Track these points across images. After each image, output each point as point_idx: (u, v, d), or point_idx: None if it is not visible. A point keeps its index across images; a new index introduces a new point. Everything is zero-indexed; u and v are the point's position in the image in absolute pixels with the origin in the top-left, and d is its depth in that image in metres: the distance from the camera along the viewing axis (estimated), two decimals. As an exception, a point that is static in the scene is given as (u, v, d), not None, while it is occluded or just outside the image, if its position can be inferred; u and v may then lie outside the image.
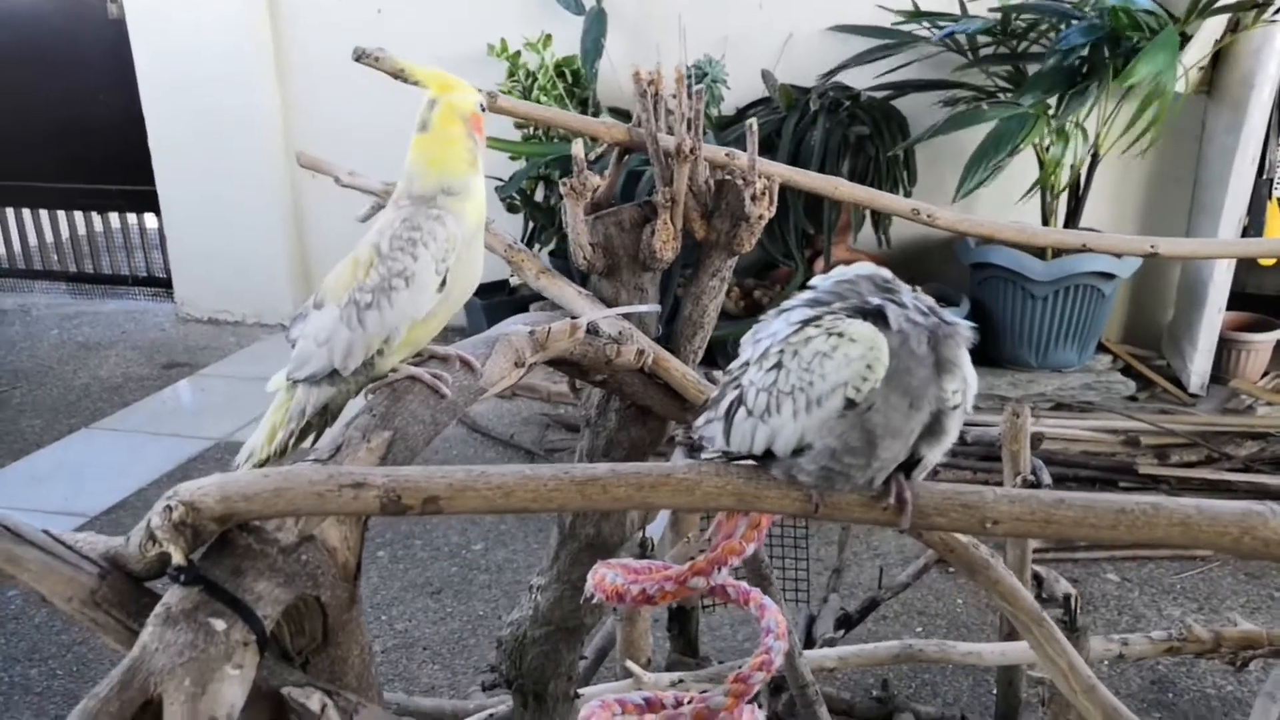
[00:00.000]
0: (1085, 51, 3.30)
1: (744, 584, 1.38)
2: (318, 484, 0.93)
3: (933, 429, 0.87)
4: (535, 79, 4.16)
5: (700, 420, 0.98)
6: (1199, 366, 3.73)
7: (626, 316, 1.46)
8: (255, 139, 4.72)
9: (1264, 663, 1.96)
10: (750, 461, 0.94)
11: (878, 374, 0.83)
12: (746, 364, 0.93)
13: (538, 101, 4.11)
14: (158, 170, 4.89)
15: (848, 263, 3.41)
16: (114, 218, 5.44)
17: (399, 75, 1.40)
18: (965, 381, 0.86)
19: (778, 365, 0.88)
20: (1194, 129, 3.87)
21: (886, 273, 0.92)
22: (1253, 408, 3.54)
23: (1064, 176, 3.61)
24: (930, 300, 0.89)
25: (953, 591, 2.85)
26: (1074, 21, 3.34)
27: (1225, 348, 3.76)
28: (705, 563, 1.28)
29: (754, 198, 1.42)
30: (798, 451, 0.88)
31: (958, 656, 1.97)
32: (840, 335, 0.85)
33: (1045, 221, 3.72)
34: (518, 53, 4.27)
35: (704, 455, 0.97)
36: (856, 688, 2.39)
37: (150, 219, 5.34)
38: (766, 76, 3.99)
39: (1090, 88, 3.29)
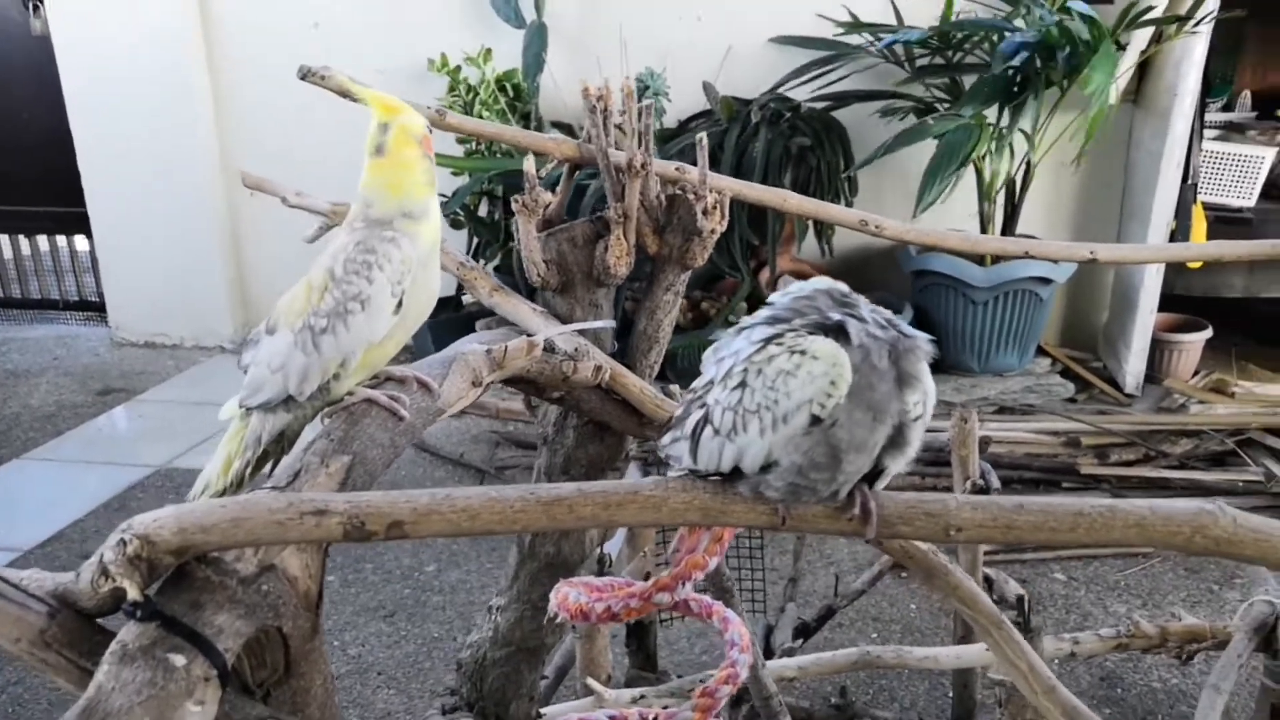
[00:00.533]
0: (1018, 63, 3.38)
1: (706, 598, 1.39)
2: (278, 512, 0.91)
3: (895, 440, 0.88)
4: (477, 94, 4.15)
5: (666, 439, 0.98)
6: (1133, 367, 3.83)
7: (582, 332, 1.46)
8: (190, 157, 4.62)
9: (1207, 655, 2.01)
10: (716, 478, 0.94)
11: (841, 390, 0.84)
12: (710, 382, 0.93)
13: (480, 116, 4.09)
14: (88, 191, 4.76)
15: (793, 273, 3.48)
16: (43, 240, 5.29)
17: (345, 94, 1.39)
18: (925, 393, 0.88)
19: (742, 384, 0.89)
20: (1121, 136, 3.98)
21: (843, 286, 0.93)
22: (1185, 406, 3.64)
23: (1000, 185, 3.69)
24: (888, 313, 0.90)
25: (905, 597, 2.88)
26: (1008, 35, 3.41)
27: (1157, 348, 3.87)
28: (669, 578, 1.28)
29: (705, 212, 1.42)
30: (765, 468, 0.89)
31: (914, 661, 1.99)
32: (803, 353, 0.86)
33: (983, 229, 3.80)
34: (458, 67, 4.25)
35: (670, 473, 0.97)
36: (815, 696, 2.41)
37: (81, 241, 5.19)
38: (708, 89, 4.02)
39: (1027, 98, 3.37)
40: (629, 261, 1.44)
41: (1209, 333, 3.90)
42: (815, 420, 0.85)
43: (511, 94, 4.21)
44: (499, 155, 4.14)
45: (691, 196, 1.42)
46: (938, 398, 3.76)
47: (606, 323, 1.50)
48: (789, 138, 3.81)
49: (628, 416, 1.46)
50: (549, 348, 1.38)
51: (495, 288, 1.49)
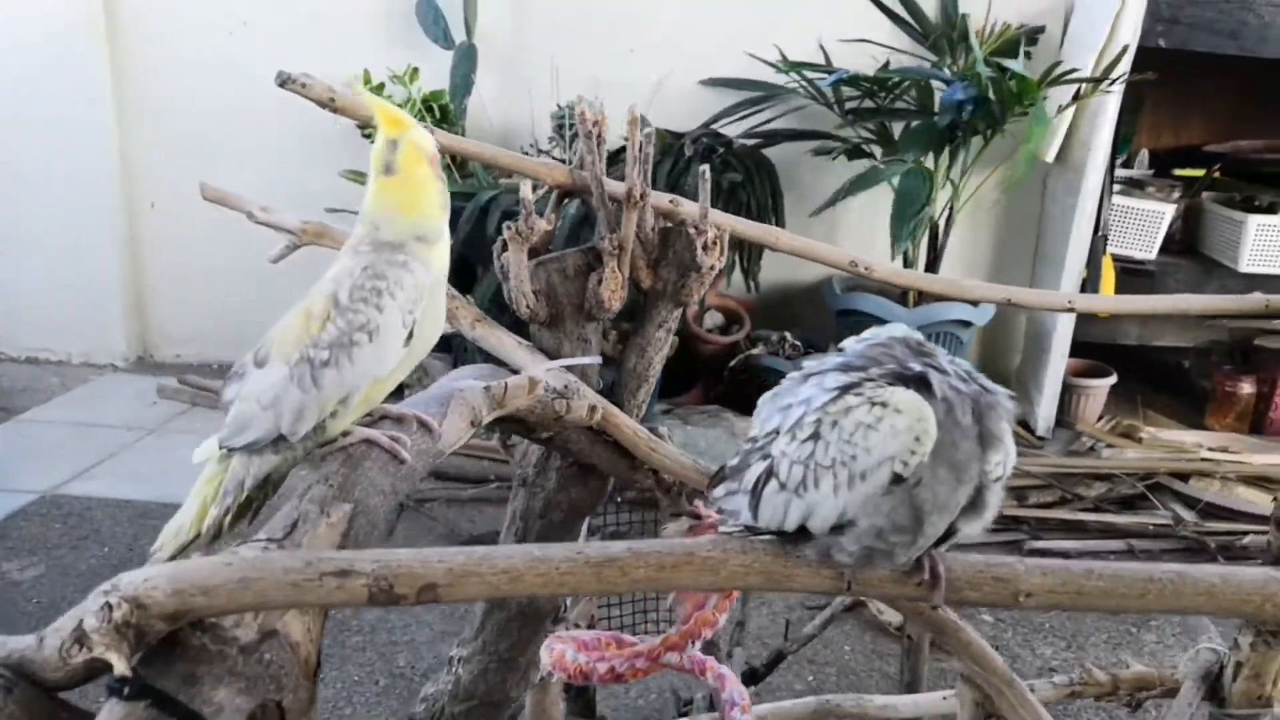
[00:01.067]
0: (952, 114, 3.46)
1: (698, 653, 1.32)
2: (294, 572, 0.81)
3: (974, 502, 0.83)
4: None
5: (719, 491, 0.91)
6: (1045, 410, 3.94)
7: (569, 369, 1.38)
8: (84, 159, 4.33)
9: (1157, 703, 2.04)
10: (772, 536, 0.88)
11: (926, 446, 0.79)
12: (775, 432, 0.87)
13: (404, 135, 3.96)
14: (-34, 193, 4.42)
15: (719, 308, 3.43)
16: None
17: (327, 105, 1.28)
18: (1007, 453, 0.83)
19: (814, 436, 0.82)
20: (1036, 187, 4.13)
21: (919, 335, 0.88)
22: (1095, 449, 3.76)
23: (925, 229, 3.77)
24: (967, 364, 0.86)
25: (840, 639, 2.86)
26: (945, 85, 3.50)
27: (1067, 392, 3.99)
28: (679, 636, 1.21)
29: (705, 247, 1.37)
30: (836, 529, 0.83)
31: (874, 710, 1.96)
32: (884, 405, 0.81)
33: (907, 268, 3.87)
34: (382, 84, 4.11)
35: (724, 530, 0.90)
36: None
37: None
38: (642, 121, 3.99)
39: (959, 147, 3.46)
40: (623, 295, 1.38)
41: (1114, 378, 4.05)
42: (896, 479, 0.80)
43: (438, 115, 4.09)
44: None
45: (692, 231, 1.37)
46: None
47: (594, 359, 1.43)
48: (721, 173, 3.81)
49: (618, 459, 1.39)
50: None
51: (478, 319, 1.40)
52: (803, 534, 0.85)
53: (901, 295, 3.87)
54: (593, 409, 1.31)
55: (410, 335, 1.07)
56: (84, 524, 3.26)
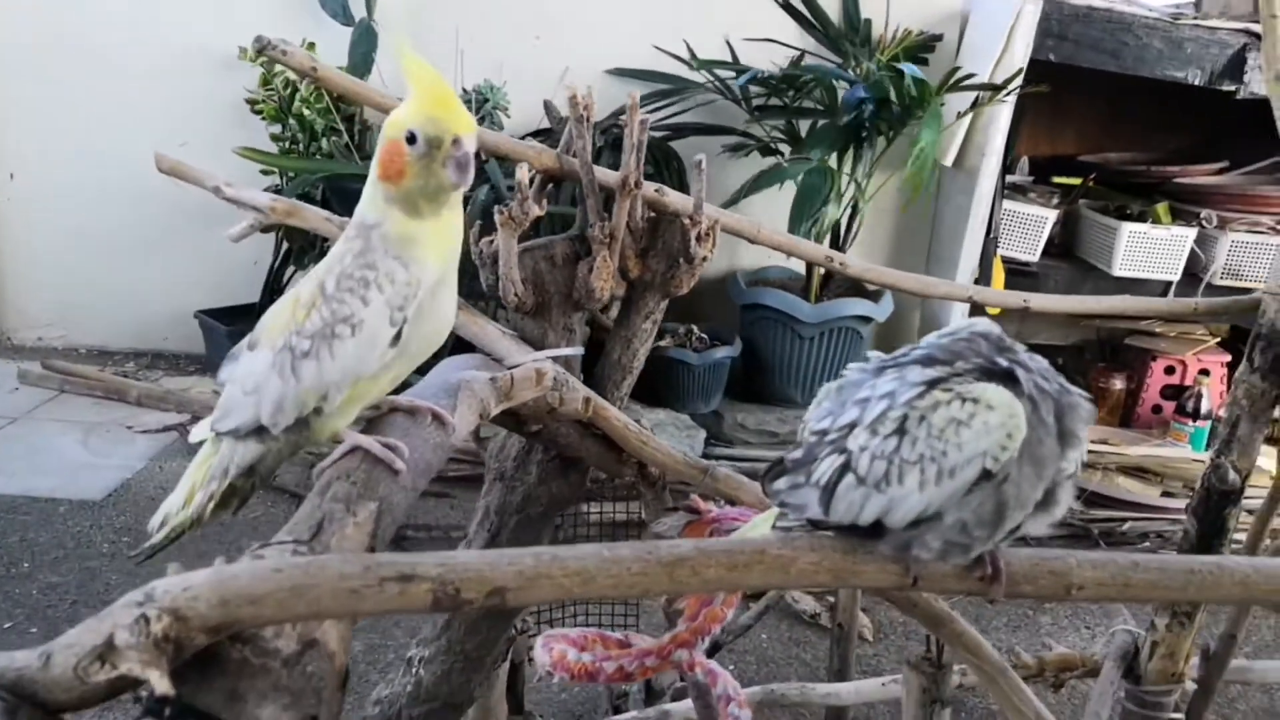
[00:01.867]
0: (856, 114, 3.55)
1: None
2: (352, 578, 0.74)
3: (1045, 499, 0.84)
4: (297, 90, 3.82)
5: (782, 483, 0.89)
6: (936, 404, 4.09)
7: (555, 360, 1.34)
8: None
9: (1078, 683, 2.14)
10: (832, 532, 0.87)
11: (1017, 442, 0.79)
12: (850, 426, 0.85)
13: (300, 115, 3.78)
14: None
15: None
16: None
17: (309, 73, 1.19)
18: (1082, 453, 0.85)
19: (900, 431, 0.81)
20: (929, 189, 4.27)
21: (998, 329, 0.88)
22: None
23: (828, 228, 3.85)
24: (1044, 362, 0.86)
25: (756, 628, 2.90)
26: (847, 85, 3.58)
27: (957, 387, 4.15)
28: (688, 633, 1.19)
29: (699, 238, 1.35)
30: (913, 524, 0.82)
31: (817, 698, 1.99)
32: (976, 401, 0.80)
33: (809, 269, 3.95)
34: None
35: (782, 524, 0.89)
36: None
37: None
38: (549, 108, 3.93)
39: (864, 147, 3.54)
40: (613, 285, 1.34)
41: (1000, 375, 4.23)
42: (985, 475, 0.79)
43: (335, 93, 3.91)
44: (318, 157, 3.84)
45: (686, 221, 1.34)
46: (764, 428, 3.87)
47: (576, 350, 1.39)
48: (631, 164, 3.79)
49: (606, 453, 1.35)
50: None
51: (459, 306, 1.33)
52: (875, 529, 0.84)
53: (804, 291, 3.95)
54: (586, 401, 1.27)
55: (399, 336, 0.98)
56: (-57, 521, 2.99)
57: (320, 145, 3.85)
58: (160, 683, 0.69)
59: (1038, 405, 0.81)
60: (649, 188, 1.43)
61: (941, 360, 0.84)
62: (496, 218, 1.27)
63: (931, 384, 0.82)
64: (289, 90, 3.85)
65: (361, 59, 3.92)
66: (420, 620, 1.60)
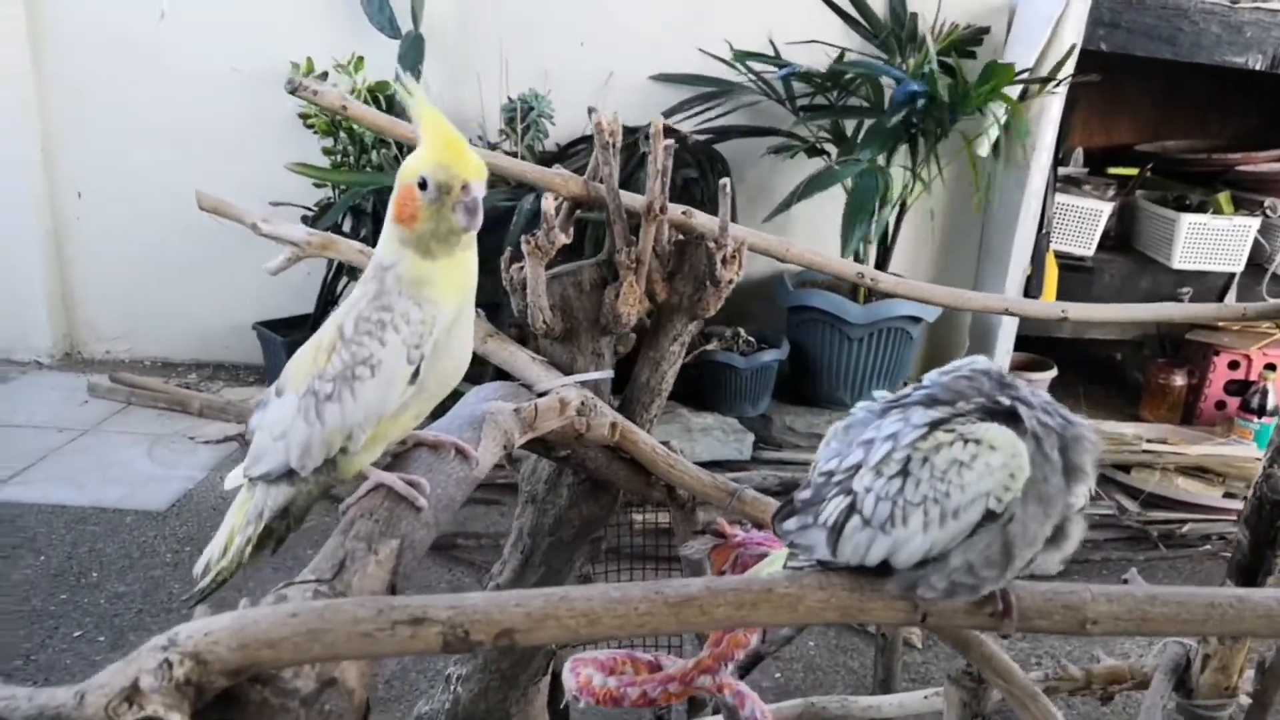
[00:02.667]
0: (907, 110, 3.50)
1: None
2: (365, 622, 0.77)
3: (1054, 535, 0.84)
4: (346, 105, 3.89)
5: (791, 524, 0.90)
6: (991, 404, 4.03)
7: (584, 384, 1.35)
8: (2, 148, 4.11)
9: (1127, 694, 2.10)
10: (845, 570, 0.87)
11: (1020, 482, 0.79)
12: (856, 467, 0.85)
13: (350, 129, 3.86)
14: None
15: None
16: None
17: (339, 112, 1.23)
18: (1090, 485, 0.84)
19: (904, 473, 0.82)
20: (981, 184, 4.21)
21: (1000, 368, 0.88)
22: (1039, 442, 3.86)
23: (881, 228, 3.81)
24: (1048, 396, 0.86)
25: (805, 635, 2.89)
26: (895, 81, 3.53)
27: (1011, 386, 4.08)
28: (711, 659, 1.20)
29: (725, 261, 1.35)
30: (920, 564, 0.82)
31: (859, 711, 1.98)
32: (978, 442, 0.80)
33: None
34: (325, 73, 3.99)
35: (793, 565, 0.89)
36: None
37: None
38: (592, 114, 3.95)
39: (927, 142, 3.50)
40: (641, 310, 1.35)
41: (1055, 371, 4.16)
42: (989, 515, 0.79)
43: (385, 105, 3.98)
44: (368, 169, 3.91)
45: (711, 244, 1.35)
46: (813, 431, 3.85)
47: (606, 373, 1.40)
48: (675, 169, 3.79)
49: (634, 476, 1.36)
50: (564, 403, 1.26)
51: (490, 333, 1.36)
52: (883, 568, 0.84)
53: (853, 291, 3.91)
54: (614, 426, 1.28)
55: (417, 373, 1.00)
56: (16, 532, 3.11)
57: (370, 158, 3.92)
58: (183, 725, 0.73)
59: (1041, 442, 0.81)
60: (676, 210, 1.43)
61: (944, 400, 0.84)
62: (524, 246, 1.29)
63: (934, 425, 0.82)
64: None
65: (409, 69, 3.98)
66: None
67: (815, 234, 4.16)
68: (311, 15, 4.09)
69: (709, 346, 3.90)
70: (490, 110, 4.05)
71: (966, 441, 0.80)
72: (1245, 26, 3.70)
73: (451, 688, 1.57)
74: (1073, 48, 3.57)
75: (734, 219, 4.10)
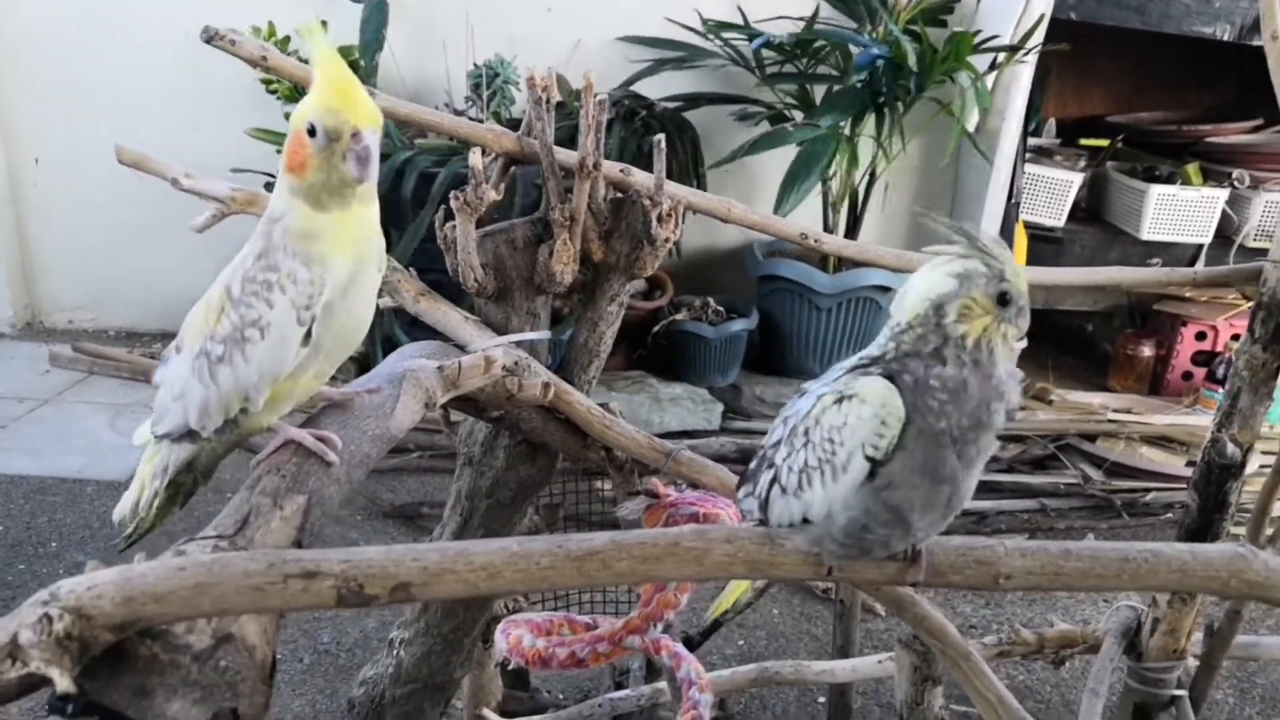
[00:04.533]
0: (870, 76, 3.48)
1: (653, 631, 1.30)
2: (255, 576, 0.75)
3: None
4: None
5: (741, 494, 0.92)
6: (959, 374, 4.03)
7: (518, 344, 1.33)
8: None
9: (1081, 659, 2.11)
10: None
11: (893, 429, 0.79)
12: (779, 443, 0.88)
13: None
14: None
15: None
16: None
17: (259, 64, 1.20)
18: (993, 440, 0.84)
19: (806, 441, 0.84)
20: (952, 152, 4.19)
21: None
22: (1007, 412, 3.86)
23: (846, 194, 3.79)
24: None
25: (768, 603, 2.90)
26: (862, 49, 3.50)
27: (980, 356, 4.08)
28: (640, 619, 1.19)
29: (660, 219, 1.33)
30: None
31: (812, 676, 1.99)
32: (852, 397, 0.82)
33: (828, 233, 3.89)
34: (287, 38, 3.92)
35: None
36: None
37: None
38: (560, 81, 3.90)
39: (883, 110, 3.47)
40: (574, 268, 1.33)
41: (1024, 342, 4.15)
42: (872, 464, 0.79)
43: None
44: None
45: (647, 202, 1.33)
46: (781, 400, 3.85)
47: (543, 334, 1.38)
48: (642, 135, 3.76)
49: (570, 437, 1.35)
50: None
51: (421, 292, 1.34)
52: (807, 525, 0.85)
53: (822, 261, 3.90)
54: (546, 386, 1.26)
55: (309, 334, 0.96)
56: (-26, 502, 3.08)
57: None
58: (61, 680, 0.71)
59: (920, 399, 0.80)
60: (613, 168, 1.41)
61: (838, 375, 0.85)
62: (452, 203, 1.27)
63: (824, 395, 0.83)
64: (302, 70, 3.87)
65: (373, 35, 3.92)
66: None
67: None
68: (273, -22, 4.01)
69: (678, 316, 3.89)
70: (456, 77, 4.00)
71: (843, 399, 0.81)
72: (1215, -4, 3.68)
73: (395, 651, 1.56)
74: (1041, 18, 3.54)
75: (703, 185, 4.07)
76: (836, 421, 0.81)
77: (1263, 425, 1.85)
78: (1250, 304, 1.68)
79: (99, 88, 4.05)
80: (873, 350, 0.85)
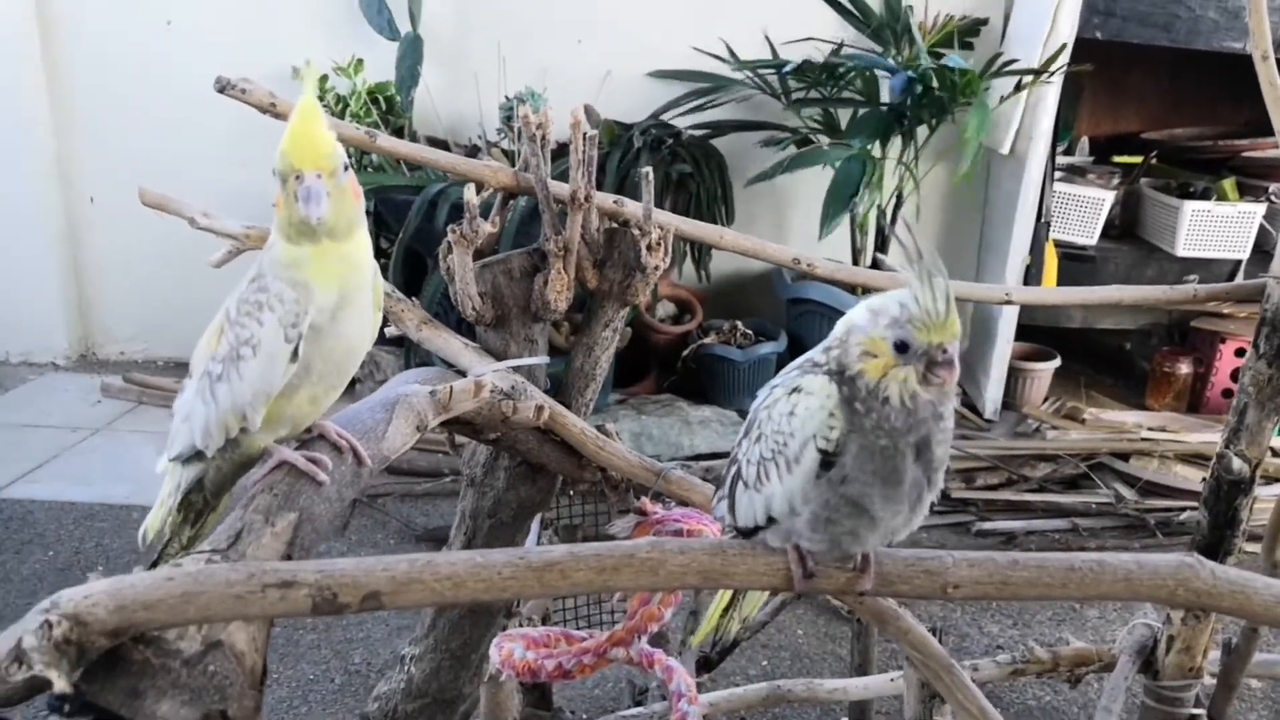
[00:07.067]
0: (900, 100, 3.51)
1: (647, 646, 1.34)
2: (236, 585, 0.81)
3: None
4: (347, 105, 3.98)
5: (714, 500, 0.97)
6: (992, 394, 4.02)
7: (517, 369, 1.39)
8: (17, 157, 4.23)
9: (1096, 677, 2.10)
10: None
11: (841, 421, 0.82)
12: (742, 439, 0.92)
13: (351, 128, 3.92)
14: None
15: (671, 298, 3.46)
16: None
17: (268, 110, 1.28)
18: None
19: (760, 436, 0.87)
20: (980, 174, 4.19)
21: None
22: (1040, 431, 3.84)
23: (873, 217, 3.82)
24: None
25: (792, 623, 2.91)
26: (889, 73, 3.54)
27: (1013, 376, 4.07)
28: (624, 632, 1.23)
29: (650, 248, 1.39)
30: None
31: (824, 694, 2.00)
32: (798, 390, 0.86)
33: (855, 260, 3.92)
34: (325, 76, 4.07)
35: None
36: (714, 729, 2.39)
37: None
38: (589, 112, 3.99)
39: (912, 132, 3.51)
40: (569, 296, 1.39)
41: (1058, 361, 4.13)
42: (825, 456, 0.83)
43: (384, 107, 4.06)
44: (368, 169, 3.98)
45: (636, 232, 1.38)
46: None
47: (541, 359, 1.44)
48: (670, 164, 3.83)
49: (566, 458, 1.40)
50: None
51: (424, 320, 1.40)
52: (772, 524, 0.89)
53: (853, 285, 3.92)
54: (539, 409, 1.32)
55: (297, 352, 1.02)
56: (26, 528, 3.21)
57: (371, 158, 3.99)
58: (59, 682, 0.77)
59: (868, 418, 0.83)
60: (607, 199, 1.47)
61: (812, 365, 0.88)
62: (450, 236, 1.33)
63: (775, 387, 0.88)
64: (340, 105, 4.01)
65: (408, 71, 4.05)
66: (412, 617, 1.68)
67: (810, 221, 4.16)
68: (311, 19, 4.17)
69: (706, 340, 3.93)
70: (489, 109, 4.11)
71: (790, 393, 0.86)
72: (1242, 11, 3.66)
73: (406, 667, 1.61)
74: (1063, 46, 3.55)
75: (731, 211, 4.09)
76: (786, 410, 0.85)
77: (1271, 440, 1.84)
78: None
79: (150, 129, 4.22)
80: (816, 355, 0.88)
